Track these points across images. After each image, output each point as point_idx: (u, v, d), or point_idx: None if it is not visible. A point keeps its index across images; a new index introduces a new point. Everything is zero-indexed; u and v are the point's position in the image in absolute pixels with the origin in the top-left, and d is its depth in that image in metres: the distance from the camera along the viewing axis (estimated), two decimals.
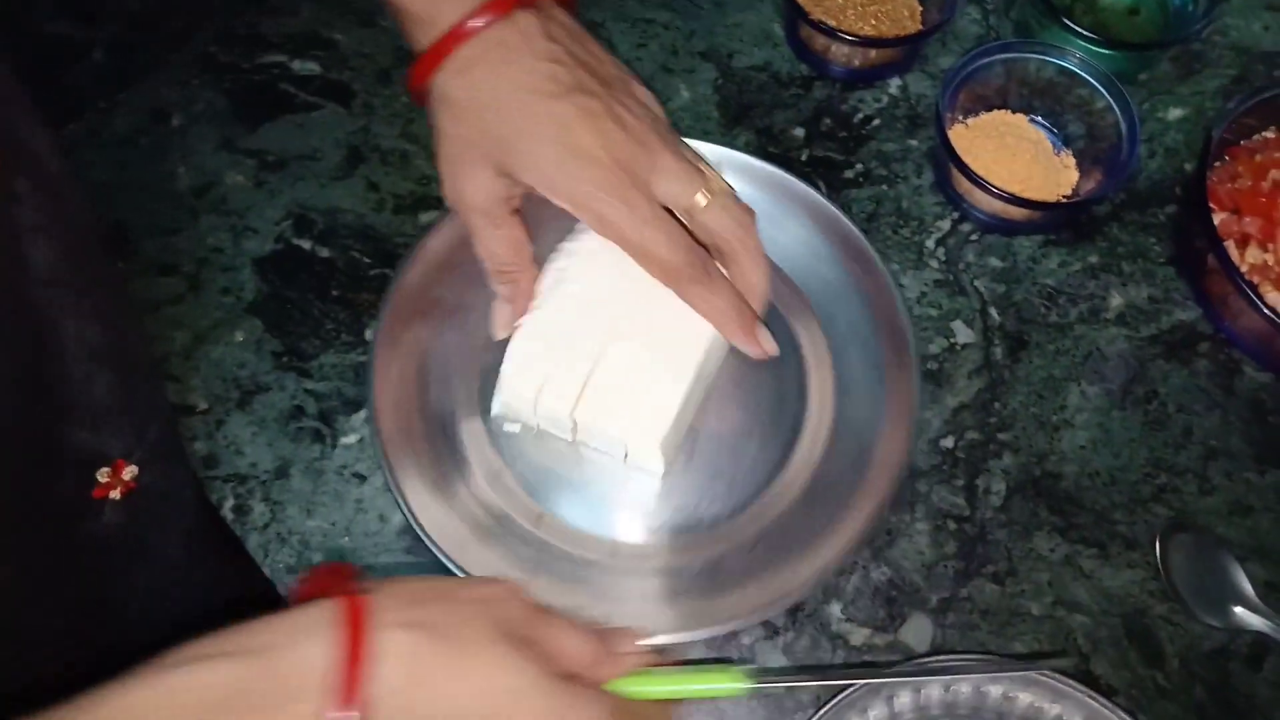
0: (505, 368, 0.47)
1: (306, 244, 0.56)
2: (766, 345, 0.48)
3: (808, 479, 0.50)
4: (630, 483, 0.49)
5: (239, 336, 0.54)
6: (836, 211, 0.55)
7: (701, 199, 0.46)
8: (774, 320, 0.52)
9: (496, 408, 0.49)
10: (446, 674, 0.33)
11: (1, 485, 0.35)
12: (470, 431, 0.50)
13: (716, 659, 0.48)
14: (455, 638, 0.34)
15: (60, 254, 0.39)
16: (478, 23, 0.44)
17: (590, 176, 0.44)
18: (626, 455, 0.48)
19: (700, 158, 0.49)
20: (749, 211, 0.48)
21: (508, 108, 0.44)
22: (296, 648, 0.32)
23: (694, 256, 0.46)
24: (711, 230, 0.47)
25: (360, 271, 0.56)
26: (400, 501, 0.47)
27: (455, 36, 0.44)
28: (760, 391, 0.52)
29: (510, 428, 0.50)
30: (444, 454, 0.49)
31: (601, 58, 0.48)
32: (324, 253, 0.56)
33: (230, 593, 0.52)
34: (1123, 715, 0.44)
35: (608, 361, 0.47)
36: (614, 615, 0.44)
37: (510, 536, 0.48)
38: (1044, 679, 0.45)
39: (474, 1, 0.44)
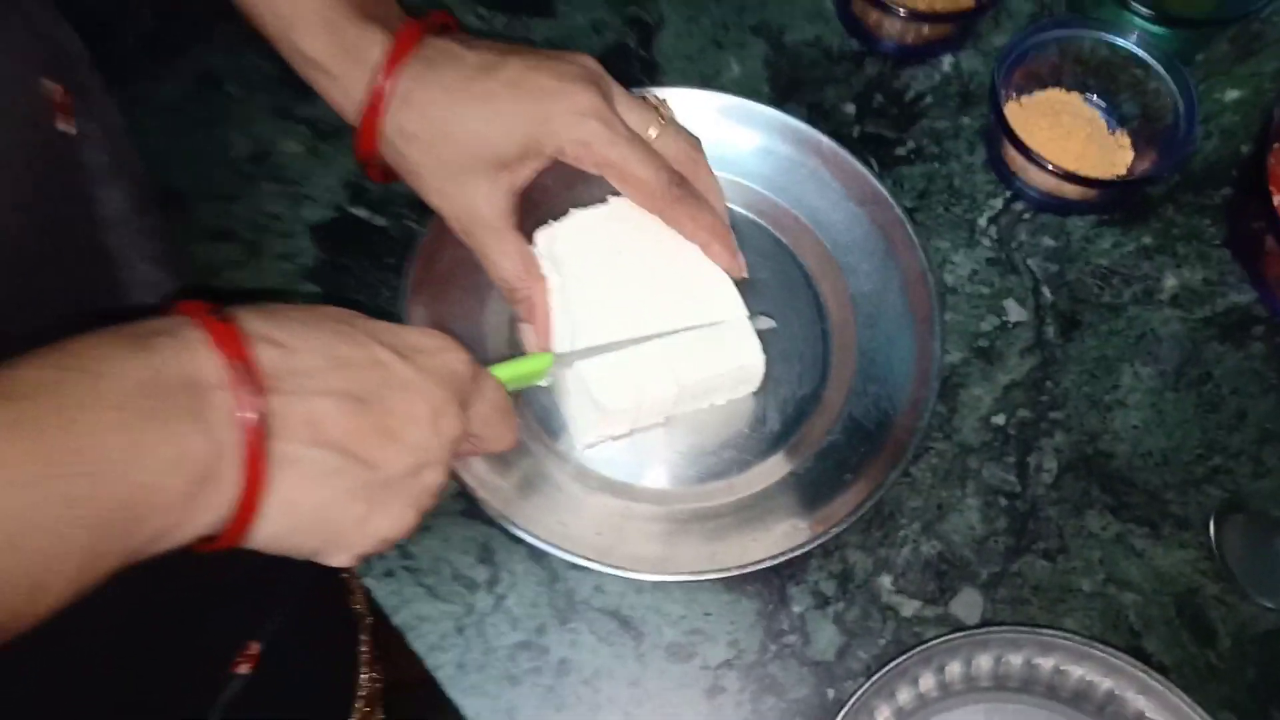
0: (601, 396, 0.47)
1: (362, 212, 0.57)
2: (741, 262, 0.50)
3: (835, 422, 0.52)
4: (672, 435, 0.52)
5: (297, 303, 0.54)
6: (854, 161, 0.56)
7: (654, 129, 0.49)
8: (788, 261, 0.55)
9: (591, 439, 0.50)
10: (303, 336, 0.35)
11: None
12: None
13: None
14: (305, 319, 0.35)
15: (124, 197, 0.40)
16: (397, 58, 0.45)
17: (563, 106, 0.46)
18: (721, 390, 0.50)
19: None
20: (695, 137, 0.51)
21: (463, 105, 0.45)
22: (176, 338, 0.32)
23: (674, 175, 0.48)
24: (668, 154, 0.49)
25: (414, 240, 0.56)
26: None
27: (383, 77, 0.45)
28: (786, 339, 0.53)
29: (593, 449, 0.51)
30: None
31: (509, 43, 0.49)
32: (379, 221, 0.57)
33: None
34: (1176, 691, 0.45)
35: (660, 325, 0.48)
36: (668, 558, 0.47)
37: (552, 489, 0.49)
38: (1097, 653, 0.45)
39: (385, 43, 0.46)
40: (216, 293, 0.36)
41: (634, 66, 0.61)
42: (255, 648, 0.53)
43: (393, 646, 0.57)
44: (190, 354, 0.31)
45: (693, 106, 0.55)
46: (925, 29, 0.60)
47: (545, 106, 0.46)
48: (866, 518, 0.50)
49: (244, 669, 0.53)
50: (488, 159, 0.46)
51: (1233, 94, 0.61)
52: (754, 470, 0.51)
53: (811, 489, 0.50)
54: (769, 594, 0.49)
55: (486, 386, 0.41)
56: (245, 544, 0.34)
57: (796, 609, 0.49)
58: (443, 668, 0.48)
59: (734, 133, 0.56)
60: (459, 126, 0.46)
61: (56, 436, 0.28)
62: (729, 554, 0.47)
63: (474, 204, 0.47)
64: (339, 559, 0.36)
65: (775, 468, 0.51)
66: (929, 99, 0.61)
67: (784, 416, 0.52)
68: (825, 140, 0.55)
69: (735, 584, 0.49)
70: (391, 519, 0.36)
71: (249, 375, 0.31)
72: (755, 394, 0.52)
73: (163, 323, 0.32)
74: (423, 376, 0.37)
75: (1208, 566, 0.49)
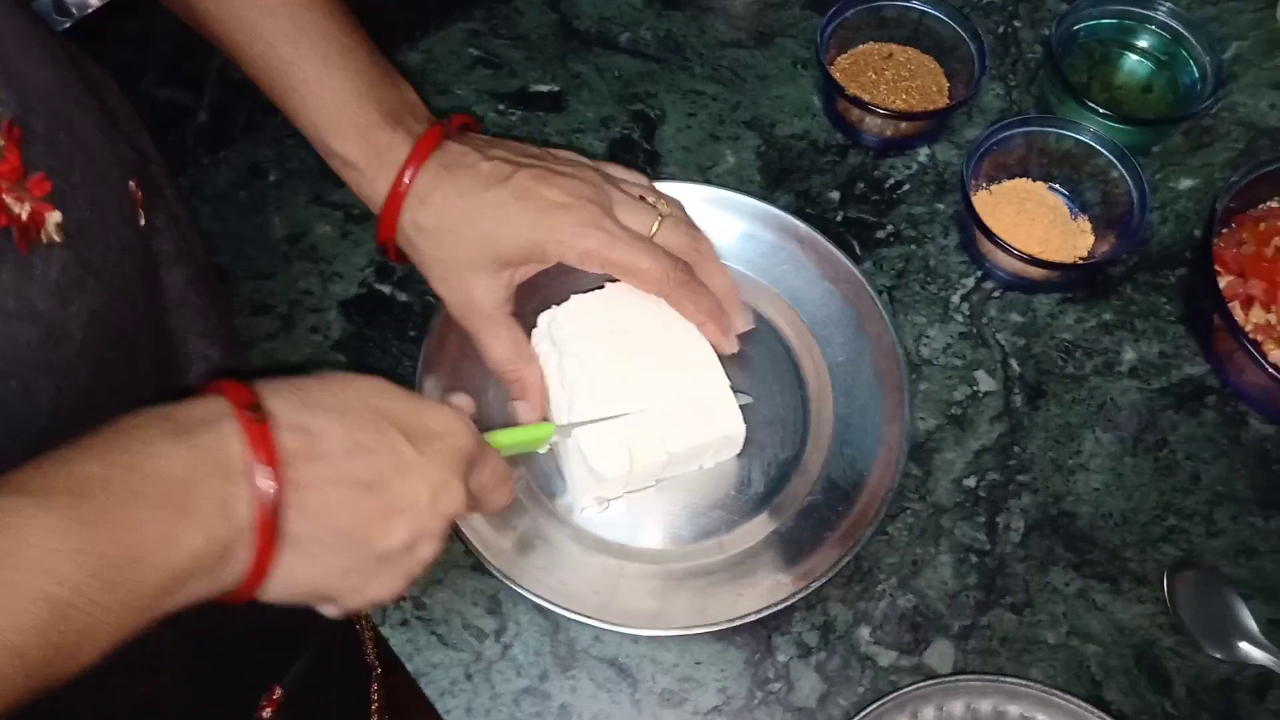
0: (597, 464, 0.51)
1: (387, 289, 0.62)
2: (733, 340, 0.56)
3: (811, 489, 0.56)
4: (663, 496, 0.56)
5: (326, 372, 0.59)
6: (828, 244, 0.61)
7: (655, 226, 0.54)
8: (770, 336, 0.60)
9: (588, 503, 0.54)
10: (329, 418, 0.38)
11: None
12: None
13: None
14: (331, 405, 0.38)
15: (186, 280, 0.45)
16: (425, 153, 0.51)
17: (567, 220, 0.51)
18: (706, 455, 0.55)
19: (648, 186, 0.57)
20: (697, 227, 0.56)
21: (476, 209, 0.51)
22: (213, 430, 0.35)
23: (675, 263, 0.53)
24: (670, 247, 0.54)
25: (435, 314, 0.61)
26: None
27: (404, 175, 0.51)
28: (769, 407, 0.58)
29: (591, 513, 0.55)
30: None
31: (521, 145, 0.55)
32: (402, 297, 0.62)
33: None
34: None
35: (650, 398, 0.52)
36: (661, 613, 0.51)
37: (552, 549, 0.53)
38: (1060, 701, 0.49)
39: (408, 146, 0.51)
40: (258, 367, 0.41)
41: (638, 157, 0.67)
42: (279, 691, 0.57)
43: (404, 697, 0.61)
44: (223, 444, 0.35)
45: (684, 198, 0.61)
46: (903, 125, 0.66)
47: (552, 219, 0.51)
48: (847, 573, 0.54)
49: (268, 712, 0.56)
50: (491, 258, 0.51)
51: (1186, 182, 0.66)
52: (740, 529, 0.55)
53: (794, 546, 0.54)
54: (756, 644, 0.53)
55: (489, 459, 0.44)
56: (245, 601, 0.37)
57: (781, 658, 0.52)
58: (452, 712, 0.51)
59: (721, 221, 0.61)
60: (469, 228, 0.51)
61: (105, 530, 0.31)
62: (717, 608, 0.51)
63: (473, 296, 0.52)
64: (330, 612, 0.40)
65: (760, 527, 0.55)
66: (907, 187, 0.67)
67: (767, 478, 0.56)
68: (802, 226, 0.61)
69: (724, 634, 0.53)
70: (383, 588, 0.40)
71: (272, 467, 0.35)
72: (740, 457, 0.56)
73: (203, 409, 0.35)
74: (431, 461, 0.39)
75: (1164, 620, 0.53)
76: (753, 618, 0.50)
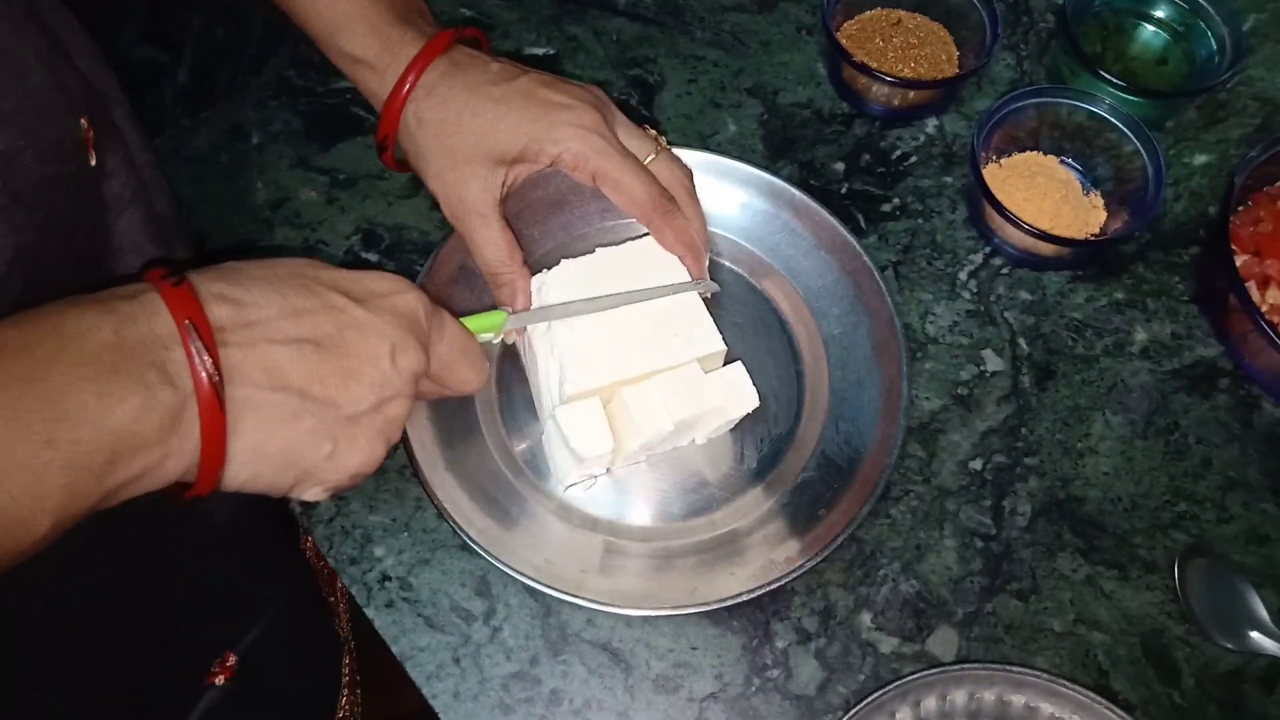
0: (577, 445, 0.49)
1: (374, 257, 0.60)
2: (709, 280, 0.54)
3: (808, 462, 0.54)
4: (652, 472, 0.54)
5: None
6: (824, 212, 0.58)
7: (651, 155, 0.53)
8: (763, 307, 0.59)
9: (573, 479, 0.52)
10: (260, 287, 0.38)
11: None
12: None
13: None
14: (257, 275, 0.38)
15: (140, 225, 0.43)
16: (429, 55, 0.51)
17: (568, 118, 0.51)
18: (708, 424, 0.53)
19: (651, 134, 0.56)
20: (688, 168, 0.55)
21: (478, 102, 0.51)
22: (136, 301, 0.35)
23: (662, 190, 0.52)
24: (660, 178, 0.53)
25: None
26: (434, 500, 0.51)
27: (414, 69, 0.51)
28: (762, 380, 0.55)
29: (578, 490, 0.53)
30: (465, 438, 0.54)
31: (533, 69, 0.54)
32: (390, 266, 0.60)
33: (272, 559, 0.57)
34: None
35: (645, 361, 0.50)
36: (650, 594, 0.49)
37: (527, 518, 0.52)
38: (1066, 691, 0.47)
39: (420, 44, 0.51)
40: (188, 263, 0.39)
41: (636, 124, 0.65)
42: (232, 659, 0.55)
43: (388, 677, 0.59)
44: (148, 315, 0.34)
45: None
46: (911, 94, 0.64)
47: (552, 116, 0.51)
48: (847, 557, 0.53)
49: (220, 680, 0.55)
50: (489, 152, 0.51)
51: (1201, 158, 0.64)
52: (732, 506, 0.53)
53: (788, 524, 0.52)
54: (753, 629, 0.51)
55: (447, 326, 0.43)
56: (223, 487, 0.37)
57: (780, 644, 0.51)
58: (439, 696, 0.50)
59: (715, 188, 0.59)
60: (470, 120, 0.50)
61: (29, 387, 0.31)
62: (708, 588, 0.50)
63: (468, 191, 0.51)
64: (312, 493, 0.39)
65: (753, 504, 0.53)
66: (914, 159, 0.64)
67: (760, 454, 0.55)
68: (798, 194, 0.59)
69: (721, 619, 0.51)
70: (360, 453, 0.39)
71: (199, 331, 0.34)
72: (733, 432, 0.54)
73: (126, 289, 0.35)
74: (379, 317, 0.39)
75: (1173, 608, 0.52)
76: (745, 597, 0.49)
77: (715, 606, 0.49)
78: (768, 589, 0.49)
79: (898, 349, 0.54)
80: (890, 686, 0.48)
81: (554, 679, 0.50)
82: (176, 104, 0.65)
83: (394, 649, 0.51)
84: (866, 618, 0.51)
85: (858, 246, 0.57)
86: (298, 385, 0.37)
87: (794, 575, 0.49)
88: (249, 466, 0.37)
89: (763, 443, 0.55)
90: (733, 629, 0.51)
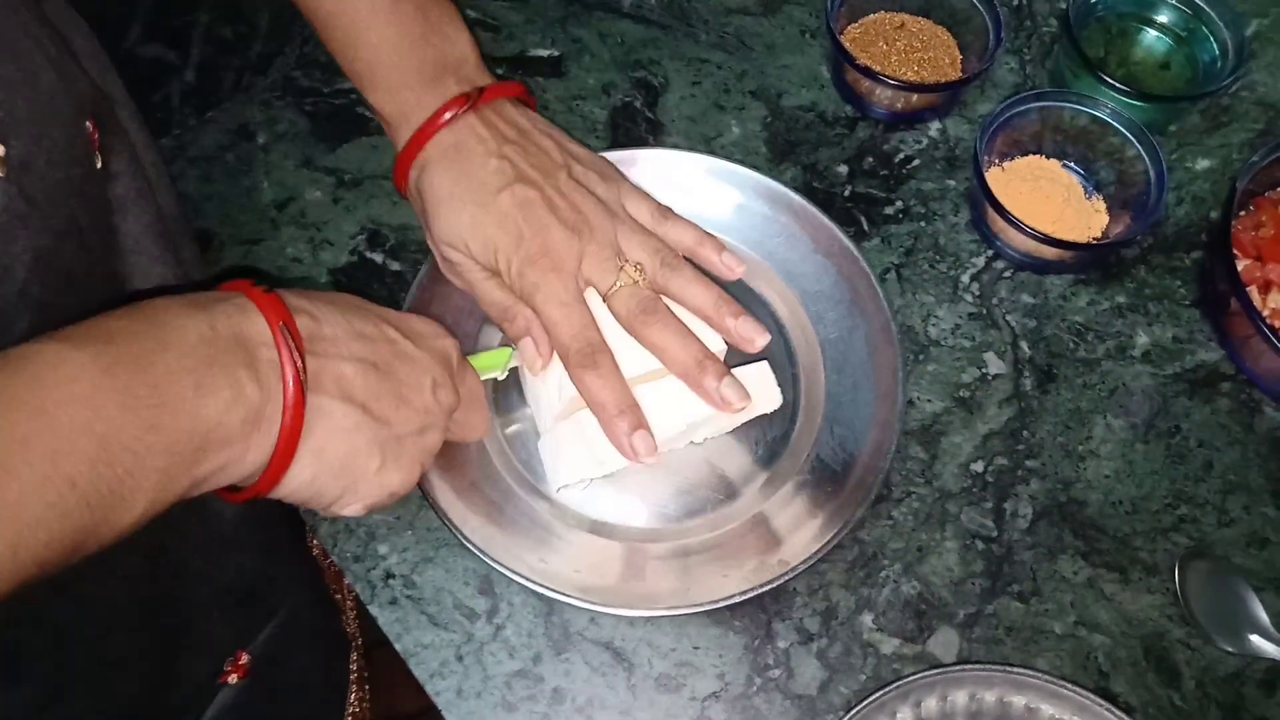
0: (553, 477, 0.51)
1: (378, 257, 0.60)
2: (639, 445, 0.49)
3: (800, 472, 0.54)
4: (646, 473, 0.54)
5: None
6: (822, 216, 0.59)
7: (620, 282, 0.51)
8: (761, 311, 0.57)
9: (573, 478, 0.52)
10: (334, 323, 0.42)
11: None
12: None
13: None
14: (326, 299, 0.43)
15: (144, 227, 0.44)
16: (437, 124, 0.52)
17: (520, 258, 0.50)
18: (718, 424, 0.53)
19: (658, 212, 0.54)
20: (655, 301, 0.51)
21: (460, 203, 0.51)
22: (231, 303, 0.38)
23: (587, 346, 0.49)
24: (617, 314, 0.51)
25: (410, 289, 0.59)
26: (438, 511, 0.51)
27: (419, 140, 0.52)
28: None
29: (572, 492, 0.53)
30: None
31: (546, 148, 0.53)
32: (394, 266, 0.60)
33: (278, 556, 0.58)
34: None
35: (651, 364, 0.51)
36: (645, 594, 0.50)
37: (526, 519, 0.52)
38: (1066, 692, 0.47)
39: (435, 106, 0.52)
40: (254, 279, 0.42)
41: (640, 126, 0.65)
42: (245, 658, 0.56)
43: (392, 675, 0.60)
44: (242, 316, 0.37)
45: (678, 166, 0.59)
46: (914, 97, 0.64)
47: (516, 255, 0.50)
48: (849, 558, 0.53)
49: (234, 678, 0.55)
50: (471, 250, 0.52)
51: (1203, 163, 0.65)
52: (727, 509, 0.53)
53: (782, 527, 0.52)
54: (755, 629, 0.51)
55: (468, 374, 0.48)
56: (277, 490, 0.39)
57: (781, 644, 0.51)
58: (442, 694, 0.50)
59: (713, 191, 0.60)
60: (452, 213, 0.51)
61: (138, 374, 0.33)
62: (701, 590, 0.50)
63: (453, 264, 0.53)
64: (353, 508, 0.42)
65: (747, 506, 0.53)
66: (917, 162, 0.65)
67: (756, 457, 0.55)
68: (796, 197, 0.59)
69: (723, 618, 0.51)
70: (402, 471, 0.43)
71: (292, 336, 0.38)
72: (730, 434, 0.55)
73: (217, 294, 0.38)
74: (424, 354, 0.44)
75: (1174, 611, 0.52)
76: (737, 599, 0.49)
77: (708, 608, 0.49)
78: (760, 591, 0.49)
79: (894, 354, 0.55)
80: (891, 687, 0.48)
81: (556, 677, 0.50)
82: (184, 103, 0.66)
83: (397, 646, 0.51)
84: (868, 618, 0.52)
85: (855, 251, 0.57)
86: (360, 399, 0.40)
87: (787, 578, 0.49)
88: (310, 469, 0.39)
89: (758, 445, 0.55)
90: (735, 628, 0.51)
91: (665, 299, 0.52)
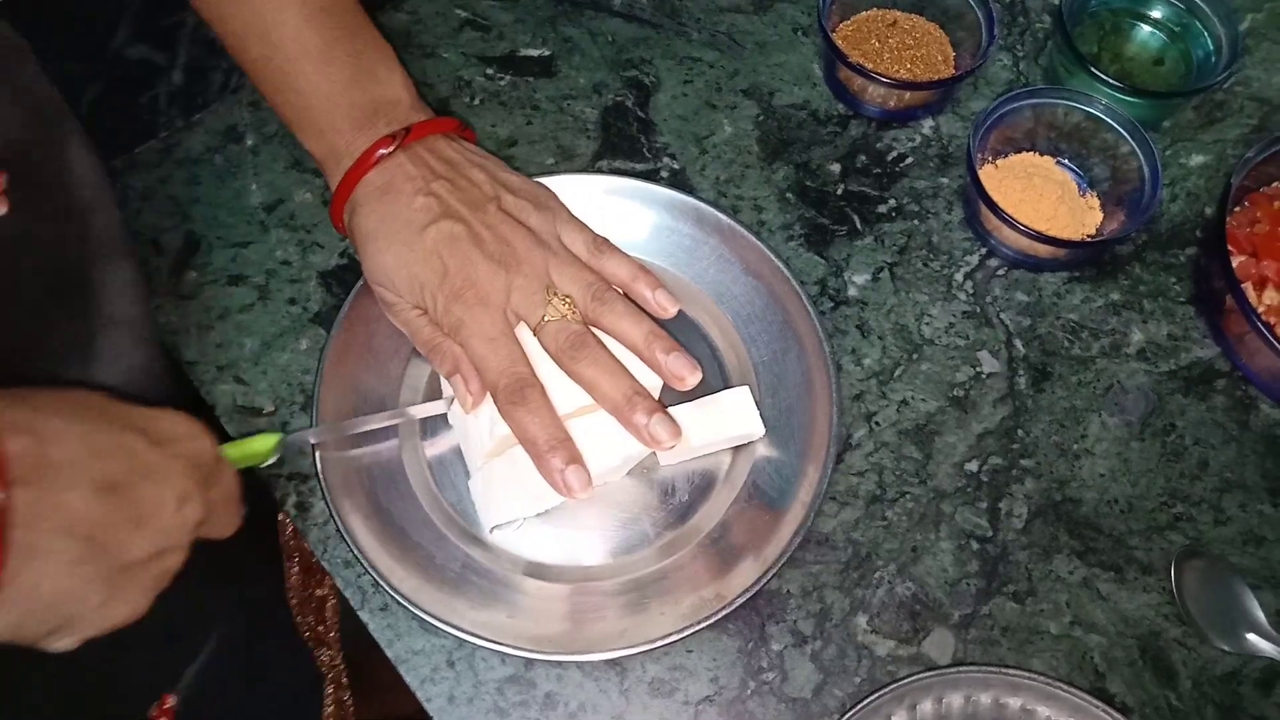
0: (484, 517, 0.50)
1: None
2: (573, 481, 0.48)
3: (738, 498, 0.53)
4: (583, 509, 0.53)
5: (304, 344, 0.57)
6: (751, 237, 0.58)
7: (548, 315, 0.50)
8: (694, 335, 0.55)
9: (505, 518, 0.51)
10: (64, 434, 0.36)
11: None
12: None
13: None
14: (62, 407, 0.36)
15: (34, 275, 0.43)
16: (367, 165, 0.52)
17: (446, 294, 0.50)
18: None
19: (593, 245, 0.53)
20: (584, 335, 0.50)
21: (387, 242, 0.51)
22: None
23: (515, 381, 0.49)
24: (547, 347, 0.50)
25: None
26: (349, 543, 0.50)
27: (349, 181, 0.53)
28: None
29: (505, 532, 0.52)
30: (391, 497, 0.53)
31: (477, 180, 0.53)
32: None
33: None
34: None
35: (582, 400, 0.50)
36: (574, 635, 0.49)
37: (458, 567, 0.51)
38: (1062, 693, 0.47)
39: (364, 147, 0.52)
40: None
41: (631, 125, 0.65)
42: (170, 701, 0.53)
43: (382, 680, 0.59)
44: None
45: (599, 189, 0.59)
46: (907, 95, 0.64)
47: (438, 292, 0.50)
48: (844, 559, 0.53)
49: None
50: (397, 287, 0.52)
51: (1198, 159, 0.64)
52: (662, 542, 0.52)
53: (719, 560, 0.51)
54: (749, 632, 0.51)
55: (224, 474, 0.42)
56: None
57: (775, 647, 0.51)
58: (433, 700, 0.49)
59: (640, 213, 0.59)
60: (375, 253, 0.52)
61: None
62: (638, 631, 0.49)
63: (387, 300, 0.53)
64: (65, 644, 0.36)
65: (684, 539, 0.52)
66: (910, 160, 0.64)
67: (691, 486, 0.54)
68: (724, 218, 0.58)
69: (717, 622, 0.51)
70: (129, 604, 0.37)
71: None
72: (669, 464, 0.54)
73: None
74: (171, 463, 0.38)
75: (1170, 610, 0.51)
76: (674, 638, 0.48)
77: (645, 649, 0.48)
78: (699, 628, 0.48)
79: (827, 376, 0.54)
80: (886, 689, 0.47)
81: (549, 682, 0.50)
82: (171, 104, 0.65)
83: (388, 652, 0.50)
84: (862, 620, 0.51)
85: (786, 270, 0.57)
86: (85, 531, 0.35)
87: (727, 611, 0.49)
88: (16, 611, 0.34)
89: (693, 475, 0.54)
90: (728, 632, 0.51)
91: (601, 333, 0.51)
